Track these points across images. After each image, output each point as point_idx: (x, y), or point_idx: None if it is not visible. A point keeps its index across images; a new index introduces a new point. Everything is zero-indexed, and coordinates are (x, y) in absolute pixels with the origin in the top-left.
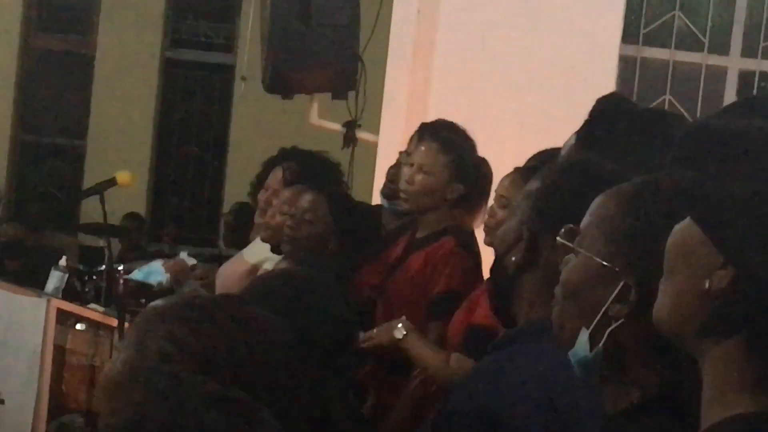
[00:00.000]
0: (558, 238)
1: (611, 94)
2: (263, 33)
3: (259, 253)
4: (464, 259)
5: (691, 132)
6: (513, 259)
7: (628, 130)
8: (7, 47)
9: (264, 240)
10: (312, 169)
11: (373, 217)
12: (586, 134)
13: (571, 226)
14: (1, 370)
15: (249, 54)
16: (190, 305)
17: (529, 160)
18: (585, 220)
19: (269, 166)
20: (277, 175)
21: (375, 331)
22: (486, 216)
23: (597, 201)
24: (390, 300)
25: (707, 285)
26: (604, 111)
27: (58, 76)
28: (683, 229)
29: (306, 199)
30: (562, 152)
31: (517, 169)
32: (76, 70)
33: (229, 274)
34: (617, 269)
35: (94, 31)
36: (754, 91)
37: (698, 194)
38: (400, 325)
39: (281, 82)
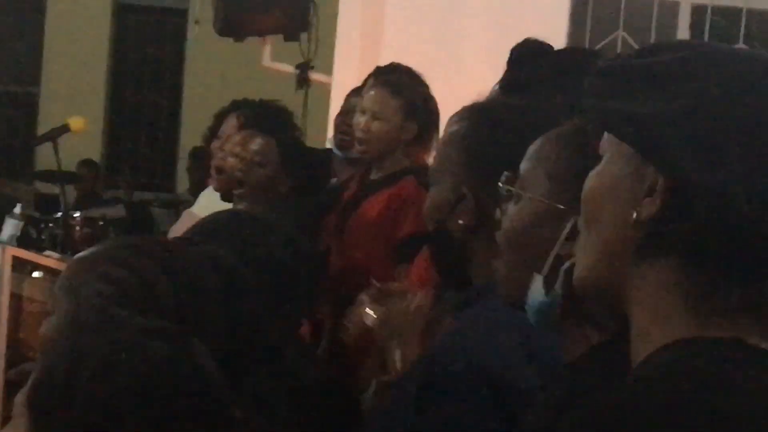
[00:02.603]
0: (500, 184)
1: (527, 40)
2: None
3: (209, 206)
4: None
5: (607, 67)
6: (460, 222)
7: (548, 73)
8: None
9: (217, 188)
10: (265, 116)
11: (323, 161)
12: (509, 82)
13: (510, 172)
14: None
15: None
16: (120, 246)
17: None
18: (524, 165)
19: (221, 116)
20: (230, 123)
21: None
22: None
23: (536, 144)
24: (349, 243)
25: (635, 215)
26: (522, 57)
27: (9, 23)
28: (601, 171)
29: (256, 142)
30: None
31: (460, 112)
32: (28, 16)
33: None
34: (565, 207)
35: None
36: (707, 26)
37: (626, 117)
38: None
39: (233, 25)
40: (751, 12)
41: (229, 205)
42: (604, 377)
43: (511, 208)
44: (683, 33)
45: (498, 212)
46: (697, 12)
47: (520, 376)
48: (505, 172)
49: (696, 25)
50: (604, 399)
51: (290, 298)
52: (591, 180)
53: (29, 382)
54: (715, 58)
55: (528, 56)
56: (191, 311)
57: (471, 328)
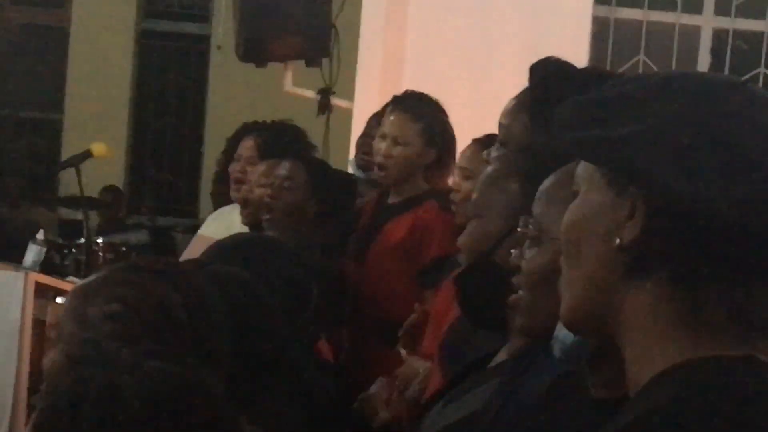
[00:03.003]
0: (520, 229)
1: (548, 59)
2: (235, 1)
3: (218, 229)
4: (451, 222)
5: (578, 101)
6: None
7: (572, 93)
8: None
9: (245, 221)
10: (283, 139)
11: (350, 183)
12: (532, 101)
13: (527, 216)
14: None
15: (224, 23)
16: (130, 269)
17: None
18: (537, 207)
19: (236, 139)
20: (247, 145)
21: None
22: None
23: (545, 185)
24: (372, 267)
25: (618, 241)
26: (546, 76)
27: (33, 50)
28: (579, 203)
29: (284, 166)
30: (504, 119)
31: (475, 141)
32: (51, 43)
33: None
34: None
35: (68, 3)
36: (728, 50)
37: (600, 142)
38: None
39: (254, 51)
40: None
41: (243, 228)
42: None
43: (530, 251)
44: (704, 57)
45: (515, 255)
46: (719, 35)
47: None
48: (523, 216)
49: (717, 49)
50: None
51: (304, 316)
52: (569, 214)
53: (36, 411)
54: (680, 80)
55: (552, 76)
56: (204, 330)
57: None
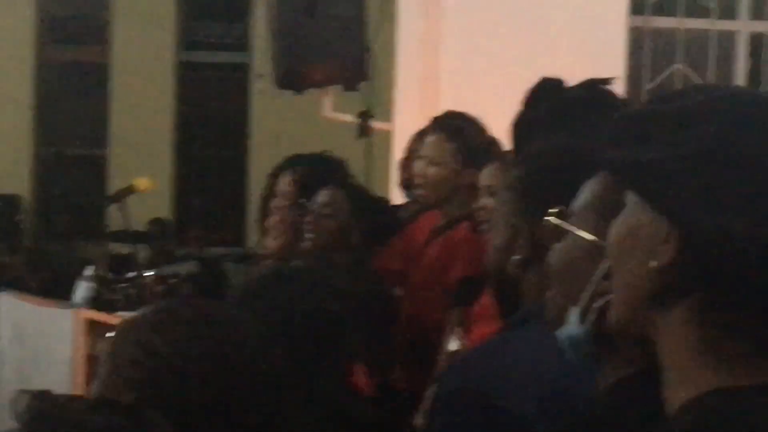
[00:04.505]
0: (549, 219)
1: (541, 79)
2: (272, 29)
3: None
4: (479, 243)
5: (623, 117)
6: (516, 257)
7: (562, 108)
8: (22, 62)
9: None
10: (320, 171)
11: (390, 207)
12: (521, 120)
13: (562, 207)
14: (34, 382)
15: (263, 51)
16: (159, 311)
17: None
18: (576, 202)
19: (276, 175)
20: (285, 180)
21: None
22: None
23: (590, 183)
24: (412, 288)
25: (653, 263)
26: (535, 95)
27: (75, 87)
28: (622, 220)
29: (323, 194)
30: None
31: (498, 158)
32: (92, 80)
33: None
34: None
35: (107, 40)
36: (765, 53)
37: (634, 167)
38: None
39: (292, 78)
40: None
41: None
42: (629, 408)
43: (559, 243)
44: (741, 62)
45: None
46: (755, 40)
47: (515, 402)
48: (552, 209)
49: (755, 53)
50: None
51: (336, 345)
52: (614, 228)
53: None
54: (723, 102)
55: (540, 94)
56: (224, 373)
57: (482, 351)
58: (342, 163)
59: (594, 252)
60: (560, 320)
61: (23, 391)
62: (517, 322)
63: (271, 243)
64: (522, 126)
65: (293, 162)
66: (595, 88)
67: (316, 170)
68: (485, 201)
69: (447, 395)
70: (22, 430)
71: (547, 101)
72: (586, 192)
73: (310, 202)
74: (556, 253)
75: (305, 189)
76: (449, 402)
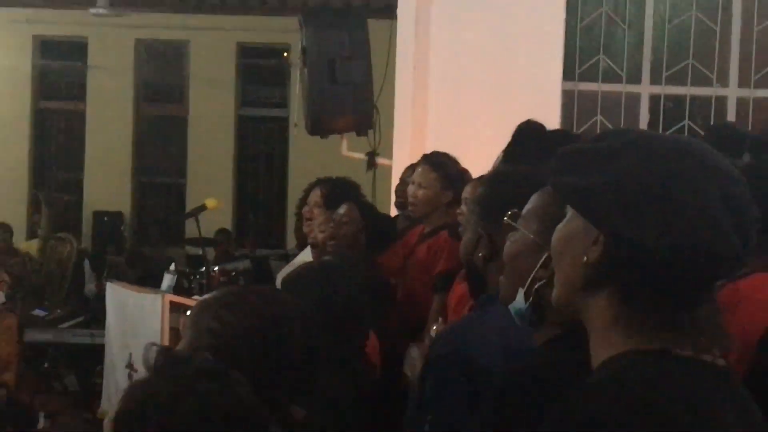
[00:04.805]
0: (505, 219)
1: (528, 122)
2: (304, 91)
3: (305, 257)
4: (456, 246)
5: (565, 151)
6: (480, 255)
7: (540, 147)
8: (124, 117)
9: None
10: (341, 189)
11: (390, 220)
12: (510, 152)
13: (516, 210)
14: (135, 350)
15: (298, 107)
16: (230, 293)
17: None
18: (526, 208)
19: (308, 190)
20: (315, 194)
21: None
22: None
23: (536, 195)
24: (408, 278)
25: (585, 259)
26: (523, 134)
27: (162, 134)
28: (563, 225)
29: (343, 208)
30: (494, 165)
31: (475, 180)
32: (175, 129)
33: None
34: (543, 244)
35: (186, 99)
36: (661, 110)
37: (574, 190)
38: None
39: (319, 126)
40: (693, 98)
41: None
42: (556, 357)
43: (513, 236)
44: (644, 116)
45: (501, 245)
46: (654, 100)
47: (487, 359)
48: (511, 210)
49: (654, 109)
50: (574, 399)
51: (357, 322)
52: (557, 231)
53: (114, 411)
54: (638, 141)
55: (527, 134)
56: (276, 340)
57: (463, 325)
58: (356, 186)
59: (534, 248)
60: (511, 298)
61: (152, 344)
62: (485, 301)
63: (319, 236)
64: (512, 158)
65: (322, 181)
66: (568, 135)
67: (338, 188)
68: (464, 208)
69: (437, 358)
70: (152, 382)
71: (532, 141)
72: (532, 202)
73: (333, 213)
74: (508, 246)
75: (330, 200)
76: (440, 363)
